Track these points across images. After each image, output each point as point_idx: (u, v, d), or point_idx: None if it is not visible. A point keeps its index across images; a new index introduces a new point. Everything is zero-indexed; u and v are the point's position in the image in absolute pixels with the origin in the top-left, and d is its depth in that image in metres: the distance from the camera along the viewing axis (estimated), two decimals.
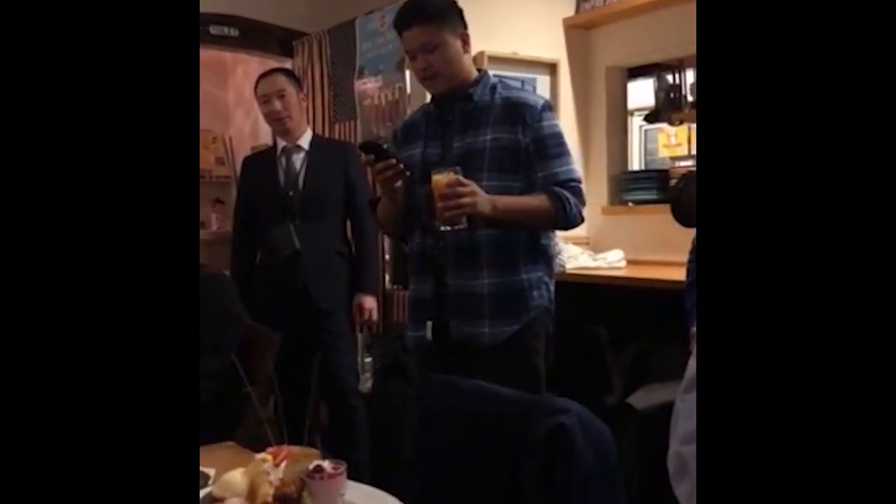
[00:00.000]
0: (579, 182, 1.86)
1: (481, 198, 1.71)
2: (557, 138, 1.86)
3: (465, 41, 1.89)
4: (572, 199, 1.81)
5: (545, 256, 1.94)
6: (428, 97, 2.09)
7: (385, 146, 1.92)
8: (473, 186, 1.70)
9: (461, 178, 1.69)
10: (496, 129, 1.84)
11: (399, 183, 1.83)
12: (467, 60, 1.91)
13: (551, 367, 1.96)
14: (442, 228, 1.74)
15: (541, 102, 1.89)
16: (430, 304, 1.90)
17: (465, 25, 1.90)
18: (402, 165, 1.79)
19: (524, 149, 1.83)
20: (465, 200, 1.68)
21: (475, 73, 1.93)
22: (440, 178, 1.70)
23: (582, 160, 3.35)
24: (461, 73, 1.89)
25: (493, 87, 1.91)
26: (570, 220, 1.83)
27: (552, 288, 1.96)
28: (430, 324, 1.89)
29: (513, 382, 1.42)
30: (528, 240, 1.88)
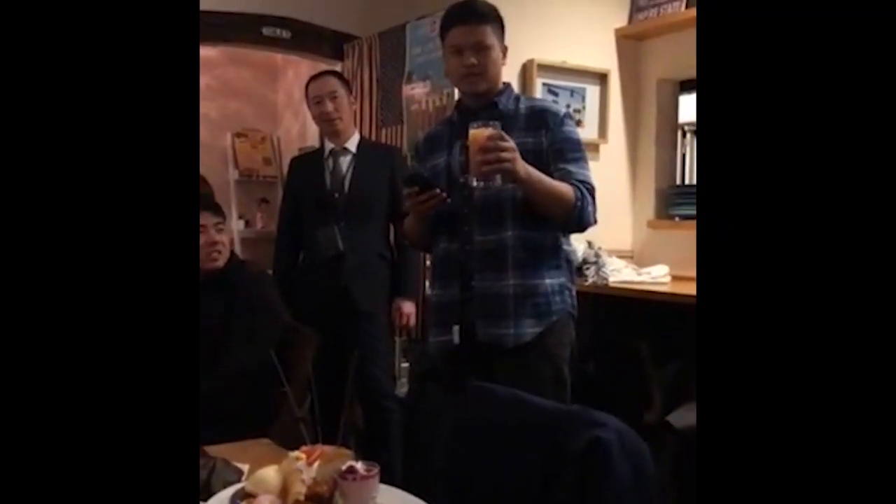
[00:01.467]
0: (593, 187, 1.88)
1: (519, 158, 1.72)
2: (576, 144, 1.91)
3: (504, 52, 1.96)
4: (589, 199, 1.85)
5: (567, 262, 1.98)
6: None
7: (426, 175, 1.95)
8: (513, 145, 1.71)
9: (503, 134, 1.71)
10: (521, 134, 1.88)
11: (433, 211, 1.87)
12: (502, 70, 1.98)
13: (591, 379, 1.95)
14: (475, 183, 1.74)
15: (563, 110, 1.97)
16: (456, 308, 1.94)
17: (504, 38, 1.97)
18: (444, 194, 1.83)
19: (545, 151, 1.88)
20: (506, 155, 1.68)
21: (502, 84, 1.99)
22: (480, 132, 1.70)
23: (629, 172, 3.31)
24: (497, 80, 1.96)
25: (517, 98, 1.99)
26: (585, 217, 1.85)
27: (574, 294, 1.99)
28: (456, 328, 1.93)
29: (537, 388, 1.42)
30: (550, 245, 1.92)
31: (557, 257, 1.93)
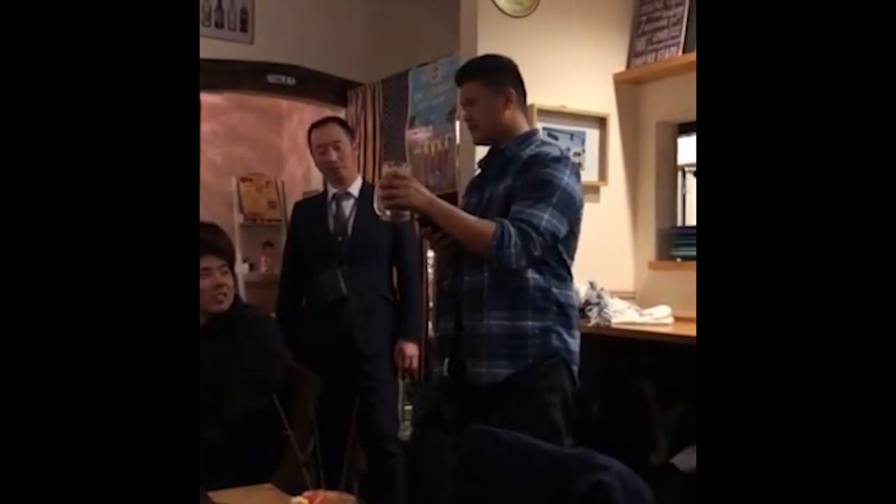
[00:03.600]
0: (537, 230, 1.82)
1: (415, 193, 1.83)
2: (543, 185, 1.87)
3: (509, 99, 2.01)
4: (515, 239, 1.81)
5: (558, 306, 1.93)
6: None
7: None
8: (410, 181, 1.83)
9: (399, 171, 1.84)
10: (512, 177, 1.94)
11: (449, 251, 1.97)
12: (508, 117, 2.02)
13: (595, 421, 1.94)
14: (383, 219, 1.87)
15: (555, 154, 1.94)
16: (449, 343, 2.01)
17: (514, 85, 2.03)
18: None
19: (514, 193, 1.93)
20: (398, 192, 1.81)
21: (522, 130, 2.04)
22: (384, 171, 1.87)
23: (630, 213, 3.33)
24: (499, 128, 2.02)
25: (527, 144, 2.00)
26: (503, 257, 1.82)
27: (569, 339, 1.95)
28: (447, 361, 2.01)
29: (519, 430, 1.41)
30: (532, 287, 1.90)
31: (543, 300, 1.91)
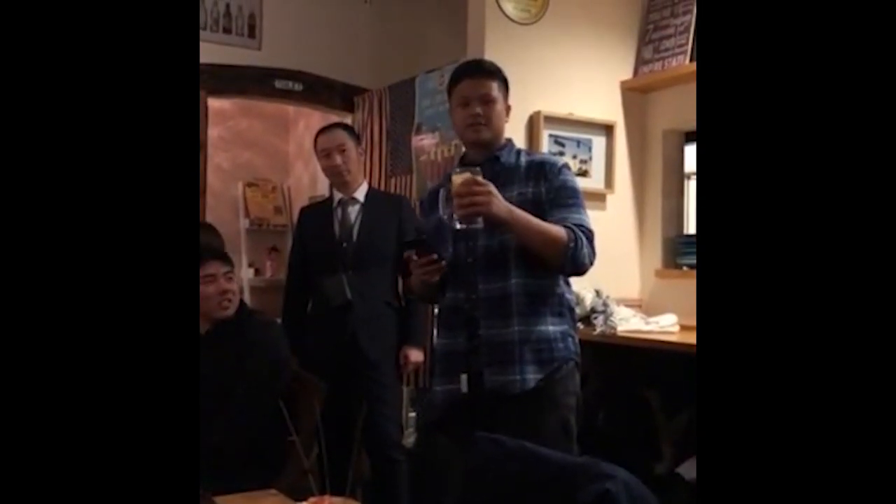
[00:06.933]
0: (592, 232, 1.90)
1: (496, 199, 1.76)
2: (572, 191, 1.94)
3: (507, 110, 2.04)
4: (584, 241, 1.86)
5: (569, 310, 2.00)
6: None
7: (424, 239, 2.00)
8: (490, 187, 1.76)
9: (478, 178, 1.76)
10: (521, 185, 1.94)
11: (437, 277, 1.89)
12: (505, 126, 2.05)
13: (600, 429, 1.93)
14: (458, 226, 1.79)
15: (560, 161, 2.04)
16: (462, 357, 1.95)
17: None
18: (443, 262, 1.87)
19: (544, 200, 1.93)
20: (480, 199, 1.74)
21: (505, 139, 2.06)
22: (457, 178, 1.77)
23: (636, 221, 3.32)
24: (500, 132, 2.03)
25: (518, 152, 2.05)
26: (579, 259, 1.85)
27: (577, 342, 2.00)
28: (464, 377, 1.94)
29: (542, 438, 1.40)
30: (551, 292, 1.94)
31: (559, 304, 1.95)
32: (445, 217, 1.84)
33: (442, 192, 1.87)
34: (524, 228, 1.82)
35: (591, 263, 1.90)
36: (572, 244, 1.83)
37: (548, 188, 1.93)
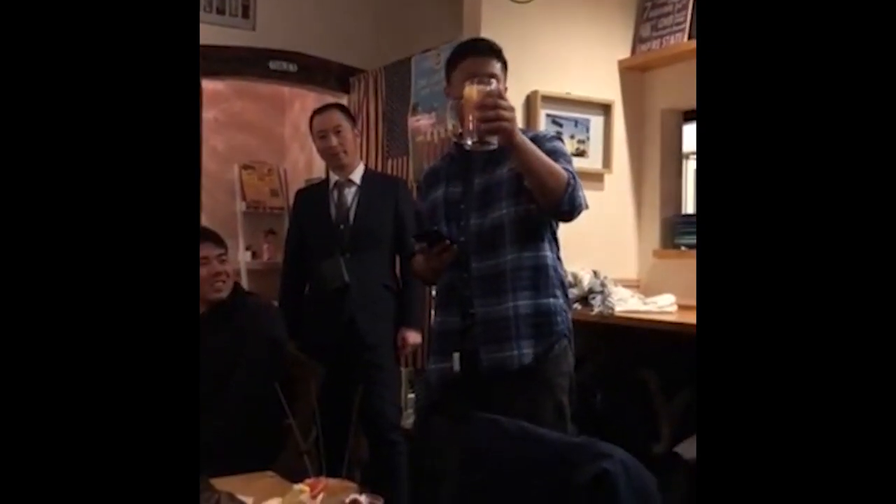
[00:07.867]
0: (580, 183, 1.86)
1: (513, 116, 1.67)
2: (563, 154, 1.92)
3: (504, 91, 1.98)
4: (579, 184, 1.83)
5: (562, 285, 2.00)
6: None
7: (433, 230, 1.96)
8: (511, 103, 1.67)
9: (501, 91, 1.67)
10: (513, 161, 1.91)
11: (450, 261, 1.87)
12: None
13: (598, 410, 1.93)
14: (469, 144, 1.68)
15: (550, 133, 2.05)
16: (456, 336, 1.96)
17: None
18: (455, 245, 1.85)
19: None
20: (506, 114, 1.63)
21: None
22: (475, 88, 1.62)
23: (634, 201, 3.31)
24: None
25: None
26: (577, 199, 1.82)
27: (570, 318, 2.00)
28: (456, 355, 1.94)
29: (536, 416, 1.40)
30: (546, 265, 1.94)
31: (552, 279, 1.95)
32: (457, 131, 1.75)
33: (451, 103, 1.81)
34: (532, 154, 1.75)
35: (586, 207, 1.87)
36: (572, 182, 1.81)
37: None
